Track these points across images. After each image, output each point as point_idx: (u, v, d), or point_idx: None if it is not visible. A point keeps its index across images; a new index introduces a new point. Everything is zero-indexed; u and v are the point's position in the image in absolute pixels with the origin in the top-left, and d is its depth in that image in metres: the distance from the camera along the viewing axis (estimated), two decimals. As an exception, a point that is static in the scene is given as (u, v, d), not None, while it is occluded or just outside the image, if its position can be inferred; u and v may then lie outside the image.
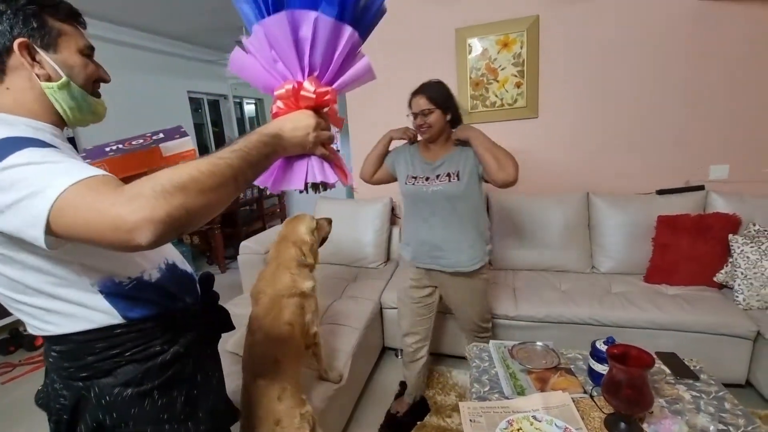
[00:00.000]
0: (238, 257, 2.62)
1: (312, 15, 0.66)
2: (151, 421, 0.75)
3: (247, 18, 0.70)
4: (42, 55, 0.67)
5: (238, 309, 1.73)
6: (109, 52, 3.72)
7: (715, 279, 1.98)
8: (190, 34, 4.48)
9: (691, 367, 1.20)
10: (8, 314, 2.67)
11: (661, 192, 2.27)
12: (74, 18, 0.72)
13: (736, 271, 1.88)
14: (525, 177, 2.48)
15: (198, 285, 0.92)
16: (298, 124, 0.70)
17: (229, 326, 0.99)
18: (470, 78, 2.48)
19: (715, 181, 2.25)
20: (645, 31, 2.19)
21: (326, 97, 0.72)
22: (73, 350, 0.71)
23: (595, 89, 2.34)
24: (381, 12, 0.74)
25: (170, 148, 0.95)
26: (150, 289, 0.76)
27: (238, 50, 0.74)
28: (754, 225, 1.98)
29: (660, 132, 2.29)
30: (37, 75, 0.67)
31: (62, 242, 0.56)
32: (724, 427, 0.97)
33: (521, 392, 1.13)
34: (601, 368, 1.12)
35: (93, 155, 0.94)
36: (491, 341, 1.40)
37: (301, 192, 0.77)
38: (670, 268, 2.06)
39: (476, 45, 2.43)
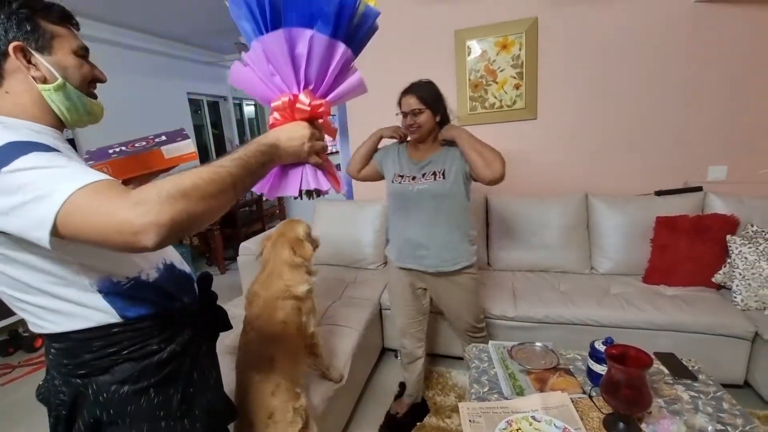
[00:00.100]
0: (238, 258, 2.63)
1: (308, 33, 0.70)
2: (147, 418, 0.76)
3: (247, 34, 0.75)
4: (37, 57, 0.68)
5: (238, 310, 1.71)
6: (109, 54, 3.73)
7: (713, 280, 1.99)
8: (190, 36, 4.49)
9: (690, 368, 1.20)
10: (7, 316, 2.68)
11: (659, 193, 2.28)
12: (67, 20, 0.73)
13: (734, 271, 1.89)
14: (524, 178, 2.52)
15: (196, 285, 0.92)
16: (293, 134, 0.74)
17: (227, 325, 1.00)
18: (469, 79, 2.49)
19: (713, 182, 2.26)
20: (644, 31, 2.19)
21: (320, 109, 0.77)
22: (72, 348, 0.72)
23: (593, 91, 2.34)
24: (373, 30, 0.79)
25: (172, 150, 0.97)
26: (148, 289, 0.77)
27: (237, 64, 0.78)
28: (752, 226, 1.98)
29: (658, 133, 2.30)
30: (33, 77, 0.68)
31: (65, 243, 0.57)
32: (723, 427, 0.97)
33: (520, 393, 1.13)
34: (600, 368, 1.12)
35: (96, 157, 0.95)
36: (490, 342, 1.40)
37: (295, 198, 0.81)
38: (668, 268, 2.06)
39: (475, 47, 2.44)
